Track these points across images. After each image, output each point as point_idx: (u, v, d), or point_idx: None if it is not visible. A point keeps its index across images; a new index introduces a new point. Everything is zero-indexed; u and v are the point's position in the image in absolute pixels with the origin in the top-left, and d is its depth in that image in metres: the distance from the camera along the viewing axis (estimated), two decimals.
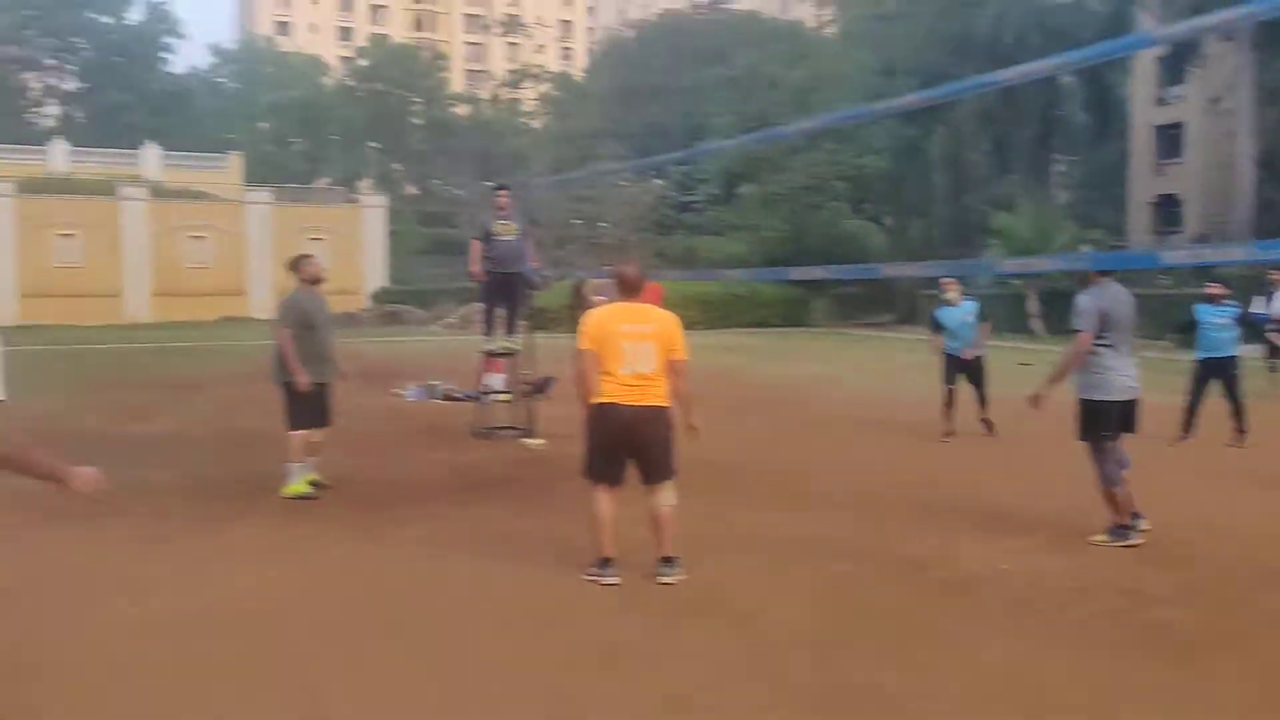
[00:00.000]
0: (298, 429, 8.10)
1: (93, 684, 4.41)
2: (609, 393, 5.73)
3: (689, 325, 23.71)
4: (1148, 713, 4.21)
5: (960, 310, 11.52)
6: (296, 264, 8.46)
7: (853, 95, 36.48)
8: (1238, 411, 10.78)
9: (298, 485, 8.01)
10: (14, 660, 4.64)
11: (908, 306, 37.12)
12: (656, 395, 5.73)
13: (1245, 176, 30.74)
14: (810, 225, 38.33)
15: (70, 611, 5.32)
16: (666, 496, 5.80)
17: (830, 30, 51.65)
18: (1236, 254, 4.94)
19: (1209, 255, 5.03)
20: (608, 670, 4.56)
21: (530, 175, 37.07)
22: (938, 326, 11.63)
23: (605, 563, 5.76)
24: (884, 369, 19.47)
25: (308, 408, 8.10)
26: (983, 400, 11.38)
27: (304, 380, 7.95)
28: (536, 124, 51.51)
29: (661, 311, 5.92)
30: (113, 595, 5.56)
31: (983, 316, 11.71)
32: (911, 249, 41.07)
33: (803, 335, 29.85)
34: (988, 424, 11.25)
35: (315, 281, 8.43)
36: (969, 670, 4.60)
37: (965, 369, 11.41)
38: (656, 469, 5.80)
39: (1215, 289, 11.19)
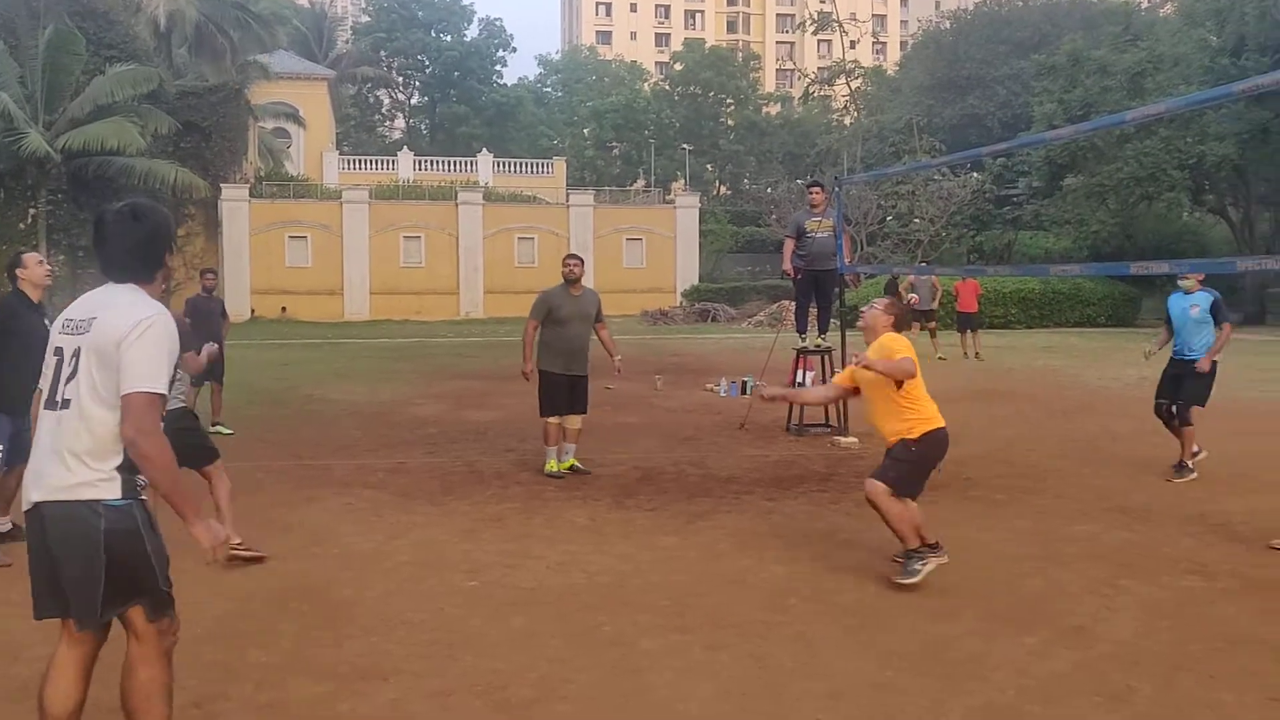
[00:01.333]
0: (545, 415, 8.78)
1: (440, 642, 4.84)
2: (936, 416, 5.91)
3: (1007, 323, 23.07)
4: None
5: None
6: (564, 261, 8.98)
7: (1193, 76, 33.73)
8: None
9: (551, 464, 8.76)
10: (377, 615, 5.17)
11: (1256, 304, 33.96)
12: None
13: None
14: (1141, 218, 35.77)
15: (417, 579, 5.84)
16: None
17: (1167, 9, 47.97)
18: None
19: None
20: (923, 674, 4.49)
21: (842, 172, 36.77)
22: None
23: (924, 551, 5.71)
24: (1227, 372, 17.85)
25: (553, 396, 8.71)
26: None
27: (528, 368, 8.70)
28: (848, 120, 50.97)
29: None
30: (451, 569, 6.05)
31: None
32: (1260, 243, 37.50)
33: (1131, 335, 27.92)
34: None
35: (572, 280, 8.80)
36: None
37: None
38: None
39: None
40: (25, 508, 3.20)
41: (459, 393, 15.18)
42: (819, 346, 11.52)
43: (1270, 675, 4.45)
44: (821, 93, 53.05)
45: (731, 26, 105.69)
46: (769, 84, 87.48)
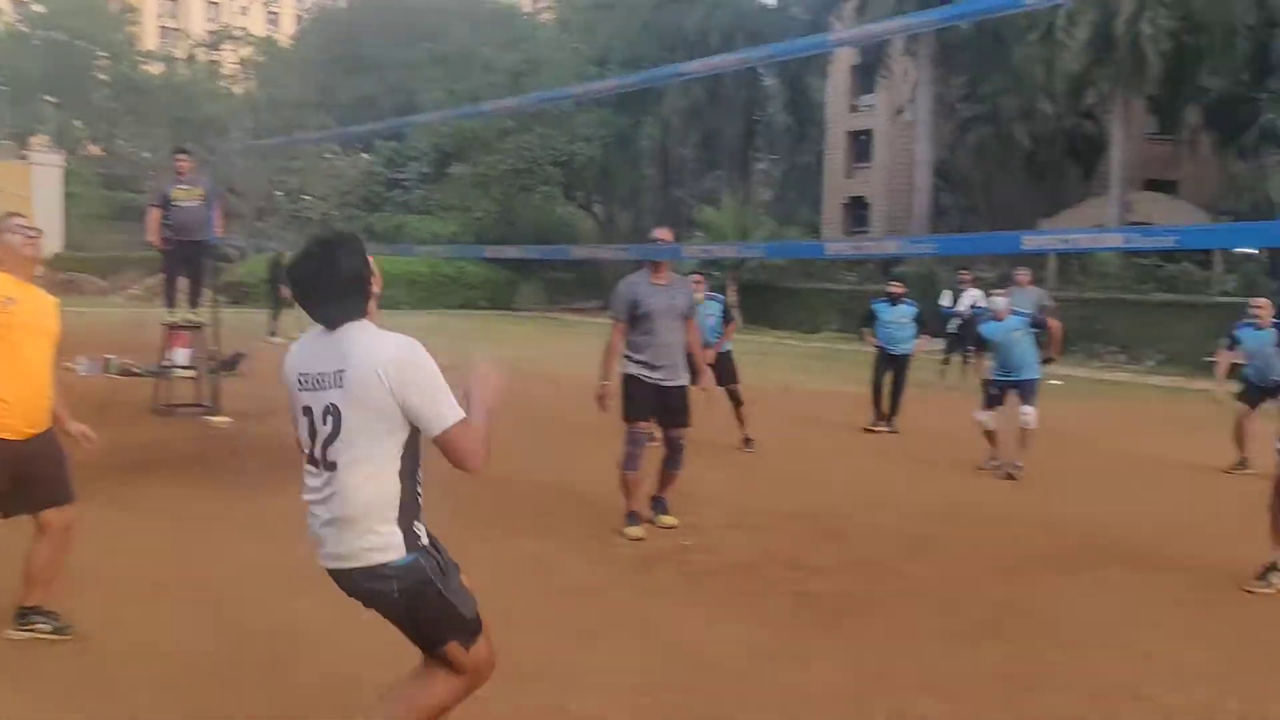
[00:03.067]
0: None
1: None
2: None
3: (395, 304, 23.26)
4: (796, 670, 4.46)
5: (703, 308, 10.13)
6: None
7: (566, 81, 36.77)
8: (895, 403, 11.60)
9: None
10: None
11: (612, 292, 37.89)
12: None
13: (924, 183, 33.35)
14: (521, 209, 38.32)
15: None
16: None
17: (547, 15, 51.82)
18: (889, 247, 5.28)
19: (870, 248, 5.34)
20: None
21: (228, 142, 35.06)
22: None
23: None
24: (586, 351, 19.71)
25: None
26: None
27: None
28: (238, 89, 48.74)
29: None
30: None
31: (727, 316, 10.54)
32: (620, 237, 41.94)
33: (509, 318, 29.93)
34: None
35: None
36: (644, 641, 4.71)
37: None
38: None
39: (896, 288, 11.84)
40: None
41: None
42: (189, 322, 10.81)
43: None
44: (209, 57, 50.19)
45: None
46: (151, 40, 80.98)
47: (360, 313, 3.00)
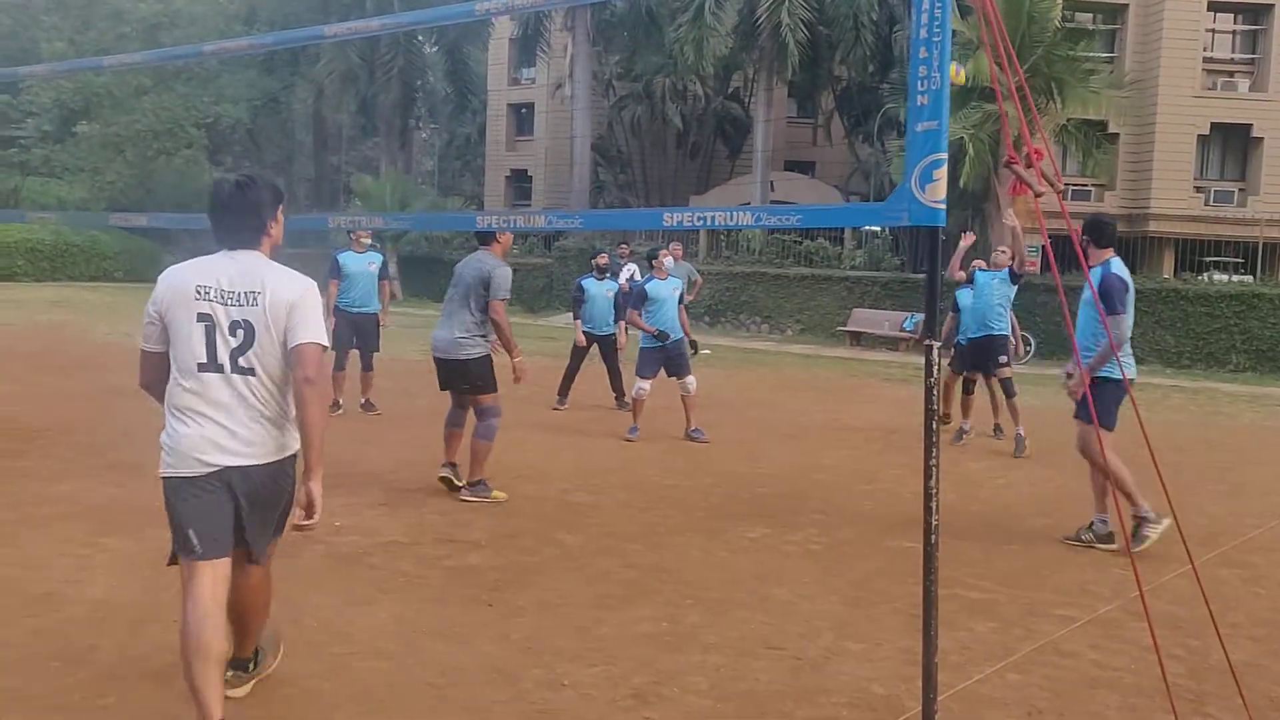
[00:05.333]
0: None
1: None
2: None
3: (12, 275, 21.25)
4: (451, 646, 4.41)
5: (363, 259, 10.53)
6: None
7: (210, 37, 34.47)
8: (615, 379, 11.69)
9: None
10: None
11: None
12: None
13: (583, 157, 34.00)
14: (161, 172, 35.60)
15: None
16: None
17: None
18: (539, 221, 5.28)
19: (521, 221, 5.32)
20: None
21: None
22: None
23: None
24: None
25: None
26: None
27: None
28: None
29: None
30: None
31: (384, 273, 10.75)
32: None
33: (150, 290, 27.87)
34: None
35: None
36: (293, 627, 4.49)
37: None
38: None
39: (603, 259, 11.85)
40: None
41: None
42: None
43: None
44: None
45: None
46: None
47: (257, 243, 3.52)
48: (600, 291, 11.46)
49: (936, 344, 3.35)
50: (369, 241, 10.72)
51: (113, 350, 14.40)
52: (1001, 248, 10.35)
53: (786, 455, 9.37)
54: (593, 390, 11.90)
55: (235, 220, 3.49)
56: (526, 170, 41.79)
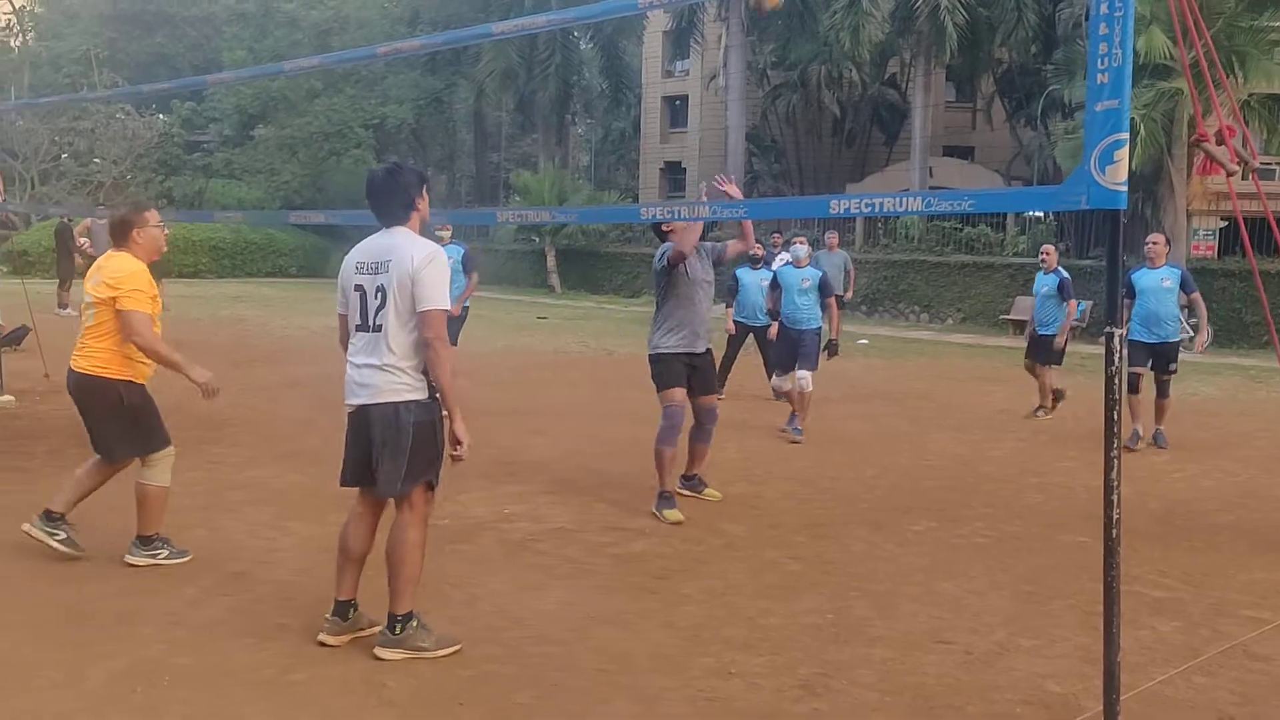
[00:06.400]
0: None
1: None
2: None
3: (197, 272, 22.33)
4: (618, 632, 4.48)
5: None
6: None
7: (375, 40, 35.71)
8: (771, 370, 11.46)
9: None
10: None
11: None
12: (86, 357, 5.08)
13: (737, 148, 33.89)
14: (332, 173, 37.13)
15: None
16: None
17: None
18: (703, 211, 5.31)
19: (685, 212, 5.41)
20: (62, 644, 4.06)
21: (3, 100, 32.61)
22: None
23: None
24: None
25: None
26: None
27: None
28: (14, 43, 45.38)
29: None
30: None
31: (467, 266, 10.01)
32: (435, 202, 41.11)
33: (322, 285, 28.99)
34: None
35: None
36: (468, 610, 4.65)
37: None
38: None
39: (759, 249, 11.09)
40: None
41: None
42: None
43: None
44: None
45: None
46: None
47: (406, 219, 4.16)
48: (754, 280, 11.17)
49: (1119, 331, 3.24)
50: (448, 235, 9.88)
51: (289, 343, 15.10)
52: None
53: (951, 447, 9.15)
54: (749, 380, 11.88)
55: (386, 201, 4.16)
56: (680, 162, 41.87)
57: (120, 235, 5.09)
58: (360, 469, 4.12)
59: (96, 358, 4.99)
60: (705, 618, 4.70)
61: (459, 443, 4.00)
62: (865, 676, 4.10)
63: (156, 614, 4.49)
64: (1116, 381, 3.22)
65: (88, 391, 5.03)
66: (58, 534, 5.04)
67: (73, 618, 4.42)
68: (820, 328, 9.56)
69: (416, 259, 3.98)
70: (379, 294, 4.03)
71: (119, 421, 5.03)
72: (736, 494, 7.11)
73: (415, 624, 4.12)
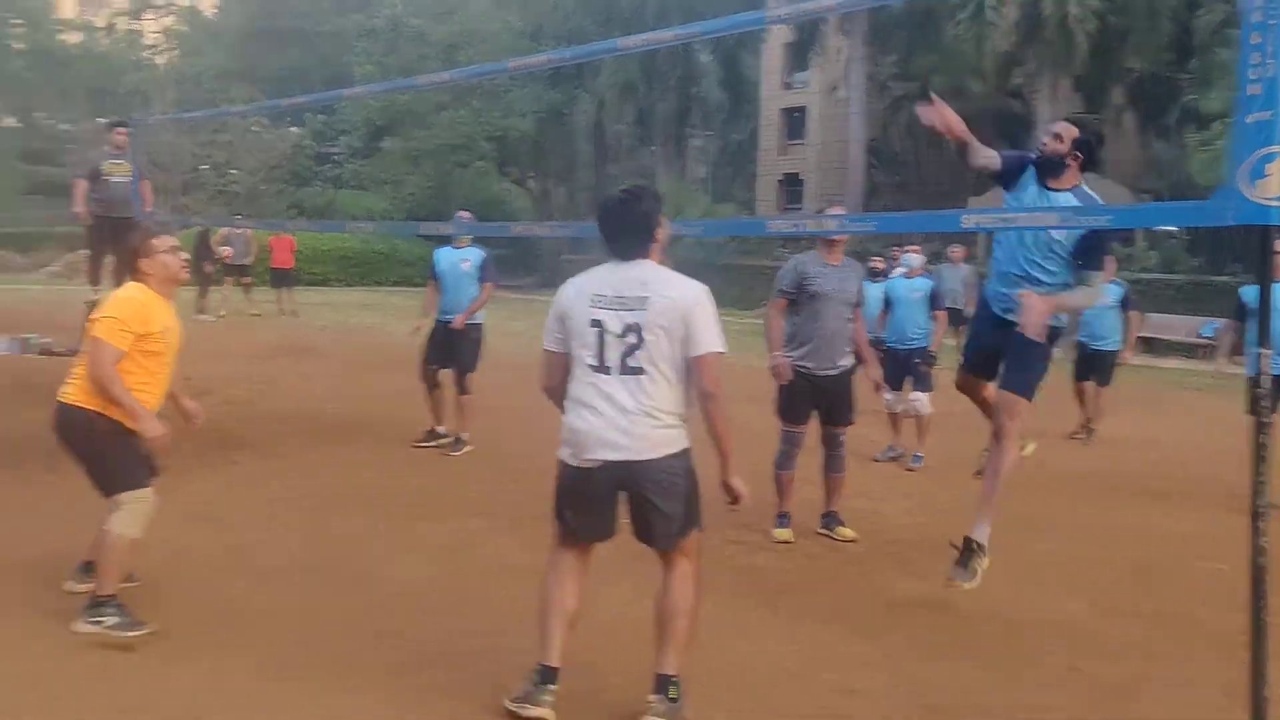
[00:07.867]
0: None
1: None
2: None
3: (325, 281, 22.82)
4: (741, 645, 4.49)
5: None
6: None
7: (500, 55, 36.36)
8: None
9: None
10: None
11: (551, 269, 37.71)
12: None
13: (857, 160, 33.59)
14: (455, 184, 37.93)
15: None
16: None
17: None
18: (830, 225, 5.30)
19: (811, 225, 5.38)
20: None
21: (153, 113, 34.14)
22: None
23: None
24: (519, 329, 19.66)
25: None
26: None
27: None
28: (161, 60, 47.51)
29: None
30: None
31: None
32: (554, 214, 41.67)
33: None
34: None
35: None
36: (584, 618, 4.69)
37: None
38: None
39: (879, 263, 10.45)
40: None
41: None
42: None
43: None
44: (130, 27, 48.86)
45: None
46: (69, 8, 78.64)
47: (647, 252, 3.74)
48: (875, 295, 10.92)
49: (1268, 352, 3.13)
50: (466, 243, 8.89)
51: (413, 352, 15.41)
52: None
53: (1081, 463, 8.89)
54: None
55: (625, 231, 3.74)
56: (798, 174, 41.67)
57: (130, 267, 4.62)
58: (599, 527, 3.83)
59: (73, 385, 4.46)
60: (826, 633, 4.67)
61: (739, 497, 3.78)
62: (992, 701, 4.02)
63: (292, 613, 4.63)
64: (1263, 404, 3.12)
65: (63, 424, 4.46)
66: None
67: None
68: (927, 345, 8.94)
69: (688, 298, 3.64)
70: (631, 333, 3.61)
71: (90, 452, 4.45)
72: (856, 508, 7.02)
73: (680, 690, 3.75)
